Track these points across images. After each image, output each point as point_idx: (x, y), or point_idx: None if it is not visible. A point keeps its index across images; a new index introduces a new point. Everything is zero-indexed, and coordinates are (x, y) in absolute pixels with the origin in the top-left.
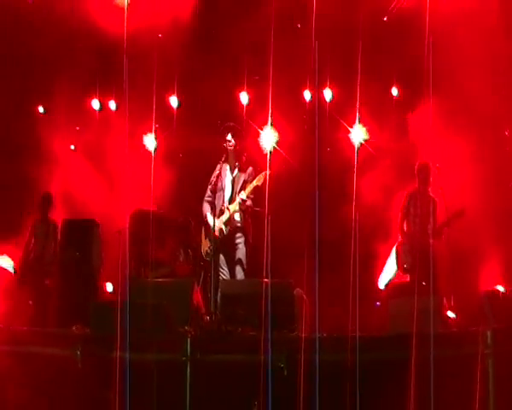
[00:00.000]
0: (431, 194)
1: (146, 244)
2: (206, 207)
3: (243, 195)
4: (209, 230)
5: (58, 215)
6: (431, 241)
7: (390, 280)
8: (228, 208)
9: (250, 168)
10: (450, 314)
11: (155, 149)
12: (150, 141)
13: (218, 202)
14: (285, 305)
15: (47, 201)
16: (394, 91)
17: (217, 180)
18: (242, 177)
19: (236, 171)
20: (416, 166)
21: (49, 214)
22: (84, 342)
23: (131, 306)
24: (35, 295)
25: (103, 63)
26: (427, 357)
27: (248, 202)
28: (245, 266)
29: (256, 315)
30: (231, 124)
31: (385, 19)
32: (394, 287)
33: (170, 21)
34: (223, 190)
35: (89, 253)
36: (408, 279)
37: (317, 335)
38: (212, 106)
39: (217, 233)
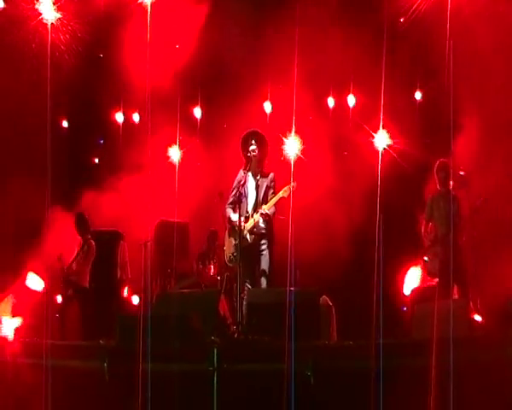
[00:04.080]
0: (453, 192)
1: (171, 255)
2: (230, 211)
3: (263, 210)
4: (233, 234)
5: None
6: (458, 240)
7: (415, 285)
8: (252, 216)
9: (272, 174)
10: (477, 318)
11: (179, 160)
12: (175, 152)
13: (242, 210)
14: (310, 313)
15: (81, 221)
16: (418, 95)
17: (241, 188)
18: (265, 183)
19: (259, 177)
20: (435, 166)
21: (85, 233)
22: (111, 355)
23: (158, 317)
24: (61, 309)
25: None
26: (452, 362)
27: (271, 211)
28: (269, 275)
29: (282, 324)
30: (255, 130)
31: (401, 20)
32: (420, 291)
33: (191, 31)
34: (246, 197)
35: (114, 265)
36: (434, 283)
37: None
38: (236, 116)
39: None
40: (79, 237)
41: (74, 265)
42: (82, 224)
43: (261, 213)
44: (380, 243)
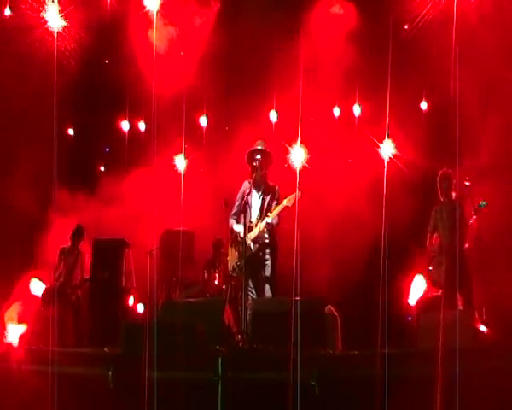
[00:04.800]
0: (456, 201)
1: (176, 264)
2: (233, 221)
3: (269, 218)
4: (236, 244)
5: (89, 236)
6: (463, 250)
7: (420, 295)
8: (256, 225)
9: (277, 187)
10: (482, 328)
11: (185, 168)
12: (180, 161)
13: (246, 220)
14: (316, 322)
15: (78, 233)
16: (423, 105)
17: (245, 198)
18: (269, 195)
19: (264, 188)
20: (438, 176)
21: (79, 245)
22: (116, 363)
23: (163, 326)
24: (61, 316)
25: (132, 84)
26: (458, 372)
27: (275, 221)
28: (273, 283)
29: (287, 333)
30: (260, 145)
31: (406, 27)
32: (425, 301)
33: (197, 39)
34: (250, 207)
35: (119, 272)
36: (439, 293)
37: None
38: (241, 125)
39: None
40: (63, 247)
41: (74, 278)
42: (79, 236)
43: (266, 223)
44: (385, 253)
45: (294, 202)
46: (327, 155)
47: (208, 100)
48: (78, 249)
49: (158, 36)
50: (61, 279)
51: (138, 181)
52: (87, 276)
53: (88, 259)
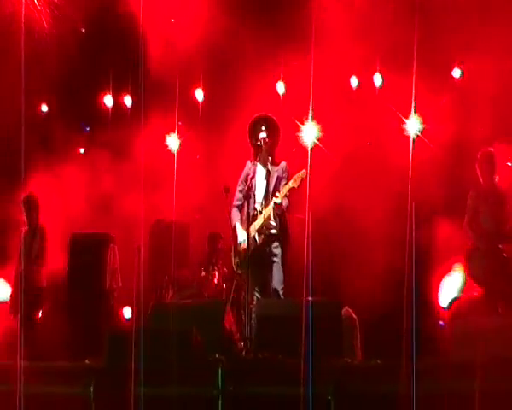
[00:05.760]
0: (499, 186)
1: (168, 261)
2: (235, 215)
3: (278, 199)
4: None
5: (66, 229)
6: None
7: (456, 297)
8: (260, 213)
9: (284, 163)
10: None
11: (178, 150)
12: (173, 141)
13: (249, 207)
14: (331, 327)
15: (29, 204)
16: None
17: (249, 182)
18: (276, 174)
19: (269, 167)
20: (478, 157)
21: (37, 221)
22: (99, 377)
23: (154, 334)
24: (28, 325)
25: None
26: (500, 387)
27: (285, 203)
28: (282, 284)
29: (298, 340)
30: (266, 115)
31: None
32: (461, 304)
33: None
34: (254, 192)
35: (102, 273)
36: (477, 294)
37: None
38: (244, 98)
39: (246, 245)
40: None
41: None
42: (32, 208)
43: (275, 204)
44: (412, 245)
45: (301, 182)
46: (343, 133)
47: (205, 70)
48: (37, 226)
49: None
50: (21, 275)
51: (124, 165)
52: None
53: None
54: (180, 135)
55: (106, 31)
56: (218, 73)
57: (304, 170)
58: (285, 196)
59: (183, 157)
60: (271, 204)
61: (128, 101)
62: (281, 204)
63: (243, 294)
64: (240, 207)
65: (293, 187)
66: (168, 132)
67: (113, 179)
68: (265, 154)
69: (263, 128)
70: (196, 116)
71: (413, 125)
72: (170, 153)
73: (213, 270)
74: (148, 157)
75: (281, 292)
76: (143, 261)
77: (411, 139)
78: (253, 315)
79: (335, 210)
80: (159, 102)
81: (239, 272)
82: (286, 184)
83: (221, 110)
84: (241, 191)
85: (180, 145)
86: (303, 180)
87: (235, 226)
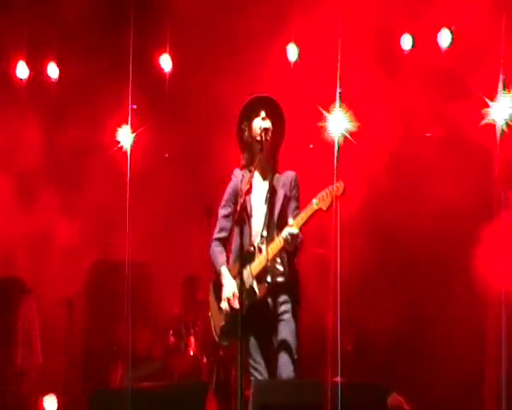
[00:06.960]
0: None
1: (115, 321)
2: (218, 254)
3: (293, 228)
4: (219, 289)
5: None
6: None
7: None
8: (260, 250)
9: (291, 173)
10: None
11: (132, 147)
12: (124, 134)
13: (244, 239)
14: None
15: None
16: None
17: (242, 201)
18: (282, 190)
19: (272, 179)
20: None
21: None
22: None
23: None
24: None
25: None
26: None
27: (300, 236)
28: (295, 354)
29: None
30: (266, 96)
31: None
32: None
33: None
34: (248, 217)
35: (12, 341)
36: None
37: None
38: (235, 71)
39: (237, 305)
40: None
41: None
42: None
43: (289, 235)
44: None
45: (331, 202)
46: (386, 122)
47: (175, 28)
48: None
49: None
50: None
51: (49, 170)
52: None
53: None
54: (135, 126)
55: None
56: (197, 35)
57: (341, 182)
58: (304, 222)
59: (140, 159)
60: (279, 238)
61: (53, 70)
62: (297, 236)
63: (233, 372)
64: (224, 242)
65: (321, 209)
66: (118, 122)
67: (33, 192)
68: (267, 157)
69: (264, 115)
70: (162, 95)
71: (501, 110)
72: (122, 153)
73: (188, 334)
74: (86, 156)
75: (294, 348)
76: (77, 322)
77: (499, 130)
78: (250, 404)
79: (376, 239)
80: (103, 73)
81: (223, 344)
82: (297, 206)
83: (202, 87)
84: (226, 217)
85: (135, 140)
86: (336, 199)
87: (219, 272)
